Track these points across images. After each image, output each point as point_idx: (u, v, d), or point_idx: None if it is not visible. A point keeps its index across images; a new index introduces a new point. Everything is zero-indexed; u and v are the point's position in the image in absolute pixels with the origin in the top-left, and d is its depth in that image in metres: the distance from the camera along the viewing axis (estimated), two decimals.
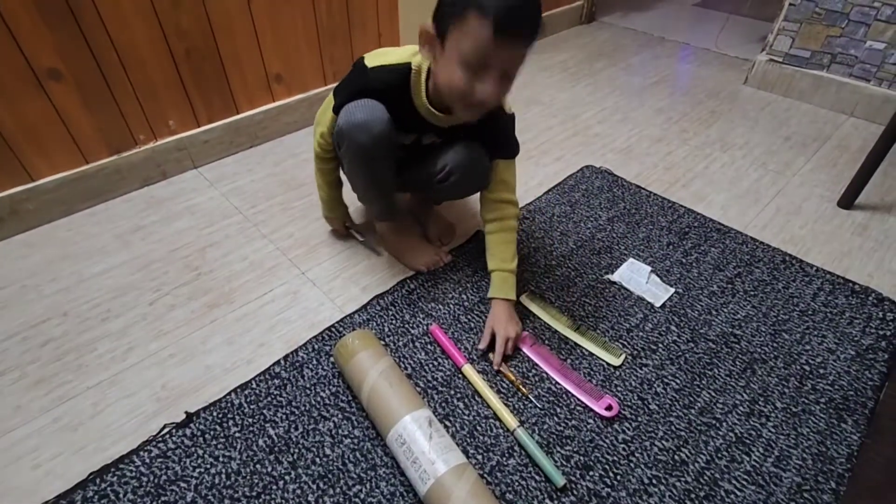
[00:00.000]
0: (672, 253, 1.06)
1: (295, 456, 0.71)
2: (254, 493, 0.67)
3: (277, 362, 0.82)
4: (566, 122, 1.51)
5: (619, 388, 0.80)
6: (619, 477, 0.70)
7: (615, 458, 0.72)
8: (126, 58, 1.05)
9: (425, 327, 0.89)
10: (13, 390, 0.78)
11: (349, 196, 1.01)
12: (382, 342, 0.85)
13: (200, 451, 0.71)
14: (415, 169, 0.93)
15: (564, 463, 0.71)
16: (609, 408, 0.76)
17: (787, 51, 1.62)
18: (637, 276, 0.99)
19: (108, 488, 0.66)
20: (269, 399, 0.77)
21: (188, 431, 0.73)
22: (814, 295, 0.97)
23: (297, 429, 0.74)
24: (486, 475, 0.69)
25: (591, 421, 0.76)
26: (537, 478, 0.69)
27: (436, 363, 0.83)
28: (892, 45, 1.44)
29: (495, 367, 0.82)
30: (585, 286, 0.98)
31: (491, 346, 0.84)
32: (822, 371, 0.84)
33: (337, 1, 1.30)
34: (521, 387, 0.79)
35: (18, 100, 0.96)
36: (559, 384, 0.80)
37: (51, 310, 0.90)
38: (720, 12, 2.30)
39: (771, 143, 1.43)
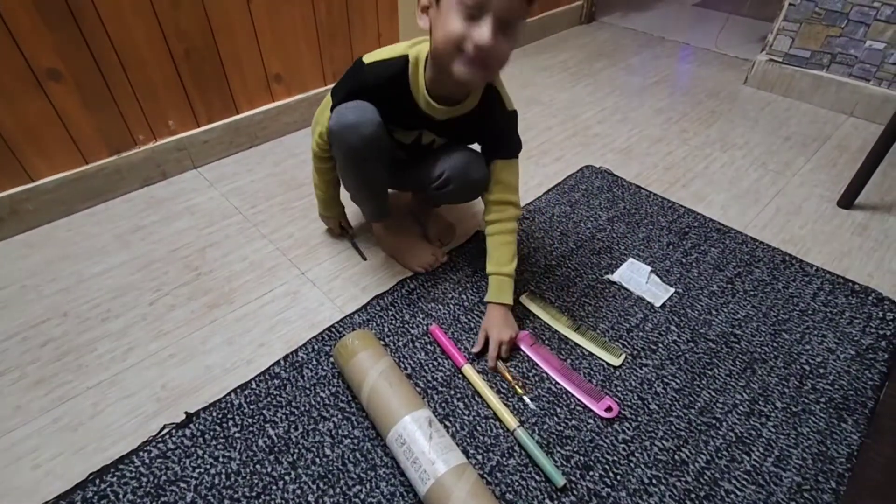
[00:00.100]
0: (672, 253, 1.06)
1: (295, 456, 0.71)
2: (254, 494, 0.67)
3: (277, 362, 0.82)
4: (566, 122, 1.51)
5: (619, 388, 0.80)
6: (619, 477, 0.70)
7: (615, 457, 0.72)
8: (126, 58, 1.05)
9: (425, 327, 0.89)
10: (13, 390, 0.78)
11: (347, 196, 1.01)
12: (382, 342, 0.85)
13: (200, 452, 0.71)
14: (413, 171, 0.93)
15: (564, 463, 0.71)
16: (609, 409, 0.76)
17: (786, 51, 1.62)
18: (637, 276, 0.99)
19: (108, 489, 0.66)
20: (268, 399, 0.77)
21: (188, 432, 0.73)
22: (814, 295, 0.97)
23: (296, 429, 0.74)
24: (486, 475, 0.69)
25: (591, 421, 0.76)
26: (537, 478, 0.69)
27: (436, 363, 0.83)
28: (892, 44, 1.44)
29: (489, 368, 0.82)
30: (585, 286, 0.98)
31: (485, 349, 0.84)
32: (822, 371, 0.84)
33: (337, 1, 1.30)
34: (517, 387, 0.79)
35: (18, 100, 0.96)
36: (559, 384, 0.80)
37: (51, 310, 0.90)
38: (720, 12, 2.30)
39: (771, 143, 1.43)
